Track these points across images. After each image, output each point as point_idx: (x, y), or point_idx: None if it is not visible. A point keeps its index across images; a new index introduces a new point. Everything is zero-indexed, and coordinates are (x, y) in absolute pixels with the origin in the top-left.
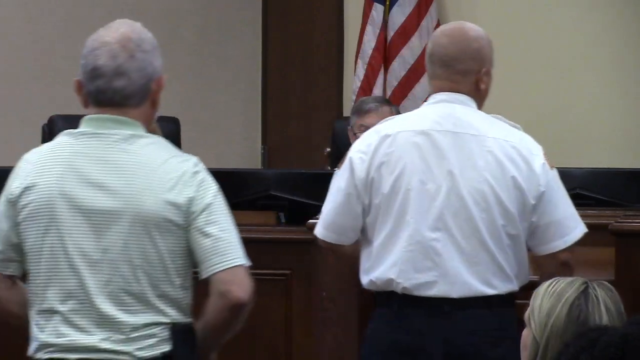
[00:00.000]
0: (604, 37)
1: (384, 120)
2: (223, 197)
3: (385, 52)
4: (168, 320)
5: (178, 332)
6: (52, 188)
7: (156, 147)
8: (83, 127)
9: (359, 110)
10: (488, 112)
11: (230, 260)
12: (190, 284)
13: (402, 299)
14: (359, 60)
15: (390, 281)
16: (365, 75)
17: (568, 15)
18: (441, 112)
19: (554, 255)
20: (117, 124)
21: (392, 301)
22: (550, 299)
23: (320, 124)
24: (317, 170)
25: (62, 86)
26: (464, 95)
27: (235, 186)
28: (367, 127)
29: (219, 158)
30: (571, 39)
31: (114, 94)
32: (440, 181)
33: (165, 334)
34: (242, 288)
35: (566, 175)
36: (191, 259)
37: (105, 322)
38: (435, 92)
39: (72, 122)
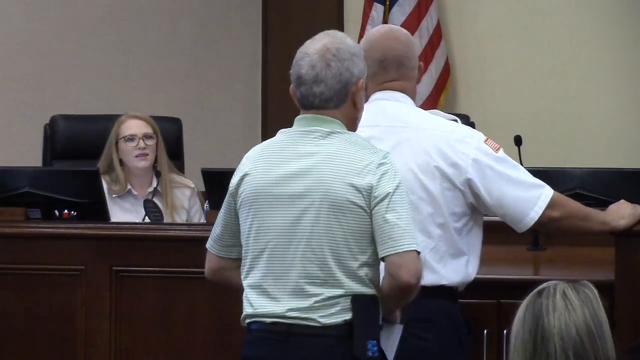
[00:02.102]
0: (604, 37)
1: None
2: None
3: None
4: (351, 293)
5: (358, 303)
6: (257, 179)
7: (349, 141)
8: (294, 126)
9: None
10: (488, 113)
11: (401, 245)
12: (376, 260)
13: None
14: None
15: None
16: None
17: (568, 15)
18: (372, 109)
19: (539, 224)
20: (320, 122)
21: None
22: (522, 303)
23: None
24: None
25: (64, 86)
26: (399, 92)
27: None
28: None
29: (219, 158)
30: (571, 39)
31: (314, 98)
32: None
33: (348, 304)
34: (409, 272)
35: (566, 175)
36: (373, 240)
37: (295, 294)
38: (374, 93)
39: (73, 121)
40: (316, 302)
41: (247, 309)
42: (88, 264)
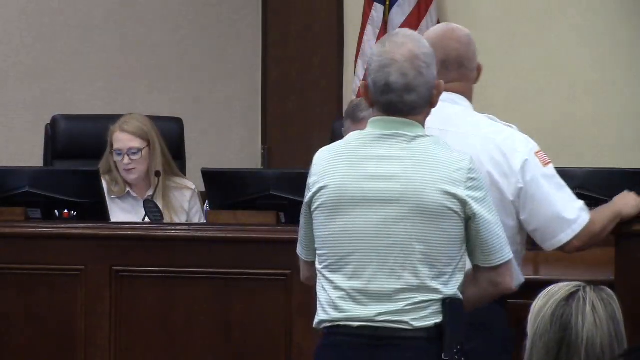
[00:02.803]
0: (605, 37)
1: None
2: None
3: None
4: (441, 297)
5: (449, 306)
6: (338, 185)
7: (435, 144)
8: (370, 129)
9: (353, 117)
10: (487, 113)
11: (504, 255)
12: (464, 264)
13: None
14: (358, 60)
15: None
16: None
17: (568, 15)
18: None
19: (561, 248)
20: (402, 125)
21: None
22: (542, 300)
23: (320, 124)
24: None
25: (65, 86)
26: (457, 94)
27: (235, 186)
28: None
29: (219, 158)
30: (572, 39)
31: (404, 106)
32: None
33: (438, 307)
34: (512, 279)
35: (566, 175)
36: (464, 244)
37: (384, 298)
38: None
39: (75, 121)
40: (407, 305)
41: (331, 313)
42: (88, 264)
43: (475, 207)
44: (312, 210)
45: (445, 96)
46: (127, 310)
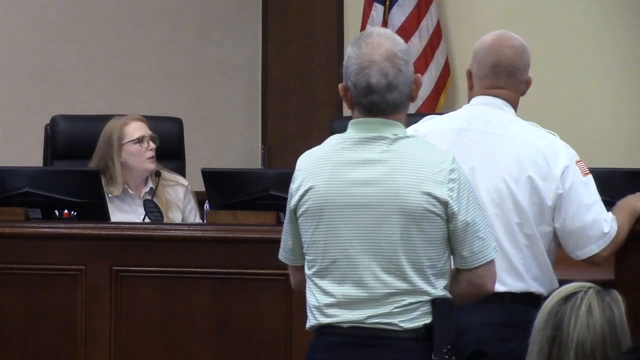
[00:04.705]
0: (605, 37)
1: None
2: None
3: None
4: (430, 298)
5: (439, 307)
6: (322, 191)
7: (417, 145)
8: (351, 131)
9: None
10: None
11: (484, 257)
12: (450, 266)
13: None
14: None
15: None
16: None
17: (568, 16)
18: (474, 113)
19: (589, 258)
20: (383, 126)
21: None
22: (549, 298)
23: (320, 124)
24: None
25: (65, 86)
26: (502, 100)
27: (235, 186)
28: None
29: (219, 158)
30: (572, 40)
31: (387, 105)
32: None
33: (427, 308)
34: (493, 281)
35: None
36: (449, 245)
37: (372, 303)
38: (478, 96)
39: (74, 122)
40: (396, 307)
41: (319, 318)
42: (88, 264)
43: (456, 207)
44: (297, 216)
45: (490, 100)
46: (127, 310)
